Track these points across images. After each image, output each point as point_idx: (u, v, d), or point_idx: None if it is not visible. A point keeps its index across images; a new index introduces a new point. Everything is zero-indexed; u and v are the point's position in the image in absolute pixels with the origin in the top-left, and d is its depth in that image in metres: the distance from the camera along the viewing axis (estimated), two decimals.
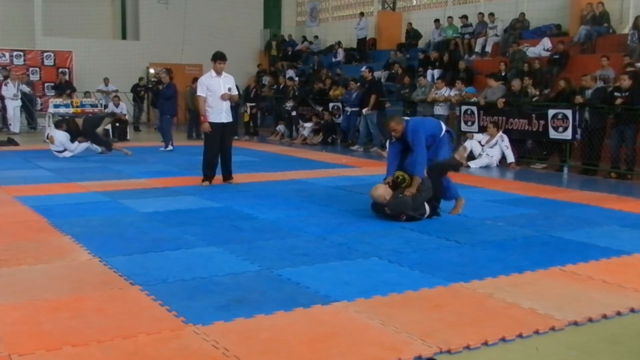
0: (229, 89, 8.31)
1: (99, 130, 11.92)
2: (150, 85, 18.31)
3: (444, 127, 6.59)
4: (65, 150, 11.42)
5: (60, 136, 11.42)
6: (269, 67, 22.47)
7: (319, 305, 3.75)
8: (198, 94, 8.39)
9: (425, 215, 6.27)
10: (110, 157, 11.46)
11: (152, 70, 20.46)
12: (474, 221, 6.28)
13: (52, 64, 19.89)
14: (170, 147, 12.94)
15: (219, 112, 8.26)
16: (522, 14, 16.23)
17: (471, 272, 4.48)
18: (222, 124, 8.31)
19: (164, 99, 13.19)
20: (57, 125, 11.89)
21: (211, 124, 8.22)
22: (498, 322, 3.53)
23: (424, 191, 6.19)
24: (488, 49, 16.51)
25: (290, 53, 22.83)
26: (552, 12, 16.07)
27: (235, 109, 15.03)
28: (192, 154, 10.72)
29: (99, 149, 11.72)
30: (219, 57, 8.29)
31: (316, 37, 23.01)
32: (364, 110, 13.84)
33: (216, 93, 8.21)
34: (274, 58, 23.13)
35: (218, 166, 8.53)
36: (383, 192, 6.23)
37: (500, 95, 11.79)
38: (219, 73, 8.27)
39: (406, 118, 6.89)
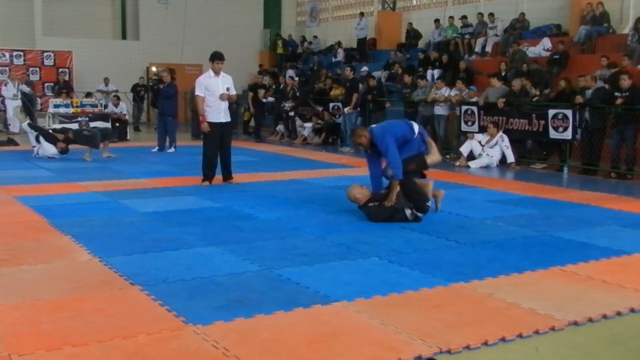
0: (228, 89, 8.31)
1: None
2: (151, 84, 18.31)
3: (416, 128, 6.42)
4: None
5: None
6: (276, 66, 22.38)
7: (319, 305, 3.74)
8: (196, 93, 8.39)
9: (408, 220, 6.13)
10: (103, 157, 11.45)
11: (154, 69, 20.46)
12: (474, 221, 6.27)
13: (52, 64, 19.89)
14: (172, 149, 12.92)
15: (217, 112, 8.26)
16: (522, 14, 16.24)
17: (471, 272, 4.47)
18: (221, 123, 8.32)
19: (165, 98, 13.17)
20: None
21: (210, 123, 8.23)
22: (498, 322, 3.53)
23: (400, 198, 6.12)
24: (488, 49, 16.52)
25: (290, 53, 22.85)
26: (552, 12, 16.09)
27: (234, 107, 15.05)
28: (192, 154, 10.71)
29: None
30: (217, 57, 8.29)
31: (315, 37, 23.02)
32: (346, 110, 13.86)
33: (215, 93, 8.22)
34: (280, 57, 23.09)
35: (218, 166, 8.53)
36: (357, 192, 6.28)
37: (501, 95, 11.78)
38: (217, 73, 8.27)
39: (373, 126, 6.71)
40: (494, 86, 12.10)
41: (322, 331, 3.37)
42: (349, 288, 4.08)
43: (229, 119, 8.46)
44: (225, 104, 8.33)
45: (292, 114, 16.14)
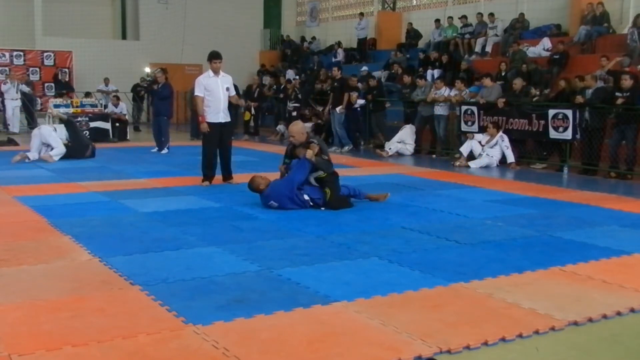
0: (227, 89, 8.29)
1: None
2: (145, 85, 18.28)
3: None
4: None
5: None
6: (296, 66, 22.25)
7: (319, 305, 3.74)
8: (196, 94, 8.34)
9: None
10: (106, 157, 11.45)
11: (147, 70, 20.44)
12: (474, 221, 6.27)
13: (52, 64, 19.90)
14: (165, 150, 12.85)
15: (216, 112, 8.23)
16: (522, 15, 16.25)
17: (471, 272, 4.47)
18: (220, 123, 8.29)
19: (160, 99, 13.07)
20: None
21: (209, 124, 8.20)
22: (498, 322, 3.53)
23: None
24: (488, 49, 16.53)
25: (289, 54, 22.86)
26: (552, 12, 16.10)
27: (235, 109, 15.01)
28: (192, 154, 10.71)
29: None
30: (214, 57, 8.25)
31: (314, 38, 23.02)
32: (338, 109, 13.82)
33: (214, 93, 8.18)
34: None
35: (218, 166, 8.52)
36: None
37: (496, 94, 11.79)
38: (216, 72, 8.24)
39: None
40: (487, 86, 12.11)
41: (322, 331, 3.37)
42: (349, 288, 4.07)
43: (228, 119, 8.45)
44: (224, 104, 8.31)
45: (294, 114, 16.14)
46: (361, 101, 13.99)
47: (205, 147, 8.42)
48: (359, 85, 14.39)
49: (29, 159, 10.63)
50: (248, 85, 16.42)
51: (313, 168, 6.81)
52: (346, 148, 13.62)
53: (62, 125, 11.62)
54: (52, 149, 10.90)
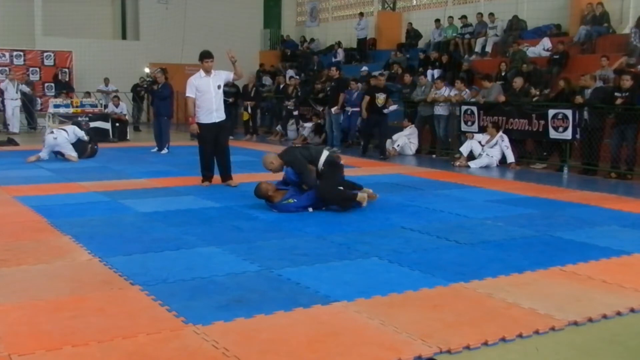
0: (219, 87, 8.23)
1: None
2: (145, 85, 18.27)
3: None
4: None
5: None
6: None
7: (319, 305, 3.74)
8: (187, 95, 8.19)
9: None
10: (106, 157, 11.45)
11: (147, 70, 20.43)
12: (474, 221, 6.27)
13: (52, 64, 19.90)
14: (165, 150, 12.84)
15: (209, 112, 8.11)
16: (516, 17, 16.24)
17: (471, 272, 4.47)
18: (214, 123, 8.16)
19: (160, 99, 13.06)
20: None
21: (203, 124, 8.13)
22: (498, 322, 3.53)
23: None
24: (488, 49, 16.54)
25: (289, 54, 22.86)
26: (552, 12, 16.10)
27: (233, 107, 14.93)
28: (192, 154, 10.69)
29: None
30: (205, 56, 8.14)
31: (312, 39, 23.02)
32: (333, 110, 13.77)
33: (206, 93, 8.08)
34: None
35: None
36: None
37: (496, 94, 11.78)
38: (207, 72, 8.14)
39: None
40: (486, 87, 12.12)
41: (322, 331, 3.37)
42: (349, 288, 4.07)
43: (223, 117, 8.29)
44: (217, 104, 8.18)
45: (296, 113, 16.13)
46: (394, 106, 12.72)
47: (200, 147, 8.37)
48: (359, 85, 14.36)
49: (41, 159, 10.68)
50: (244, 85, 16.38)
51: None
52: (334, 149, 13.53)
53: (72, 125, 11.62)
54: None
